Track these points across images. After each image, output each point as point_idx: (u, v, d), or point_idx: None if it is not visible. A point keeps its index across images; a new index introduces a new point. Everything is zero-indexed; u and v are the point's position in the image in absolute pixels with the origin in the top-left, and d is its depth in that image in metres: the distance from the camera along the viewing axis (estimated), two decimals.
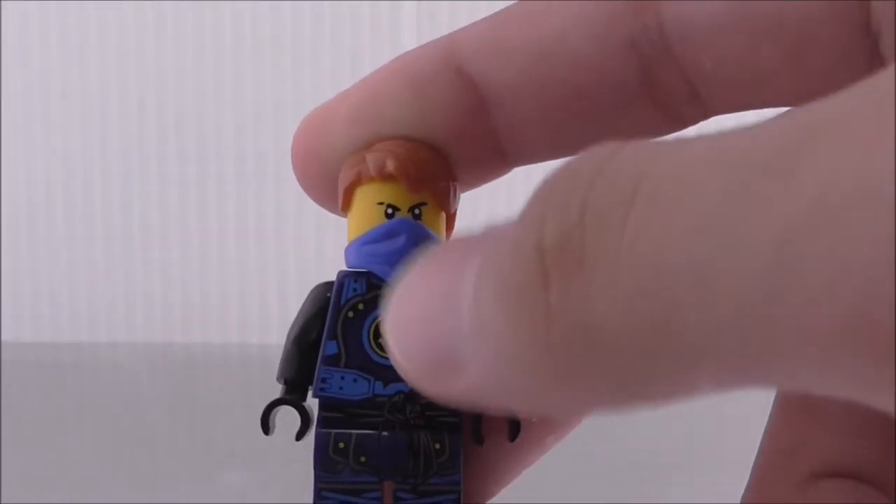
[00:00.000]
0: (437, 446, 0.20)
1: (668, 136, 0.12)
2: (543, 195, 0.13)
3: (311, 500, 0.20)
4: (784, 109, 0.12)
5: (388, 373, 0.19)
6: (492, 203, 0.69)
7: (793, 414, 0.19)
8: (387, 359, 0.20)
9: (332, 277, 0.21)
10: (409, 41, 0.74)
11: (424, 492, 0.20)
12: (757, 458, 0.19)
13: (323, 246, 0.74)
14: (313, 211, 0.75)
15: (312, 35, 0.74)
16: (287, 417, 0.21)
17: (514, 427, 0.20)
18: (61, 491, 0.45)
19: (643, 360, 0.11)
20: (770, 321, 0.10)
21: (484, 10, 0.20)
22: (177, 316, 0.75)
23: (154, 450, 0.52)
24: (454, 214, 0.21)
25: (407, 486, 0.20)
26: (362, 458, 0.20)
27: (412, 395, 0.19)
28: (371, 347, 0.20)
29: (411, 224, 0.19)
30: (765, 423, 0.19)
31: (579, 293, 0.12)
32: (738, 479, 0.20)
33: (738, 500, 0.19)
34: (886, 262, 0.09)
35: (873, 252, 0.10)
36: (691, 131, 0.15)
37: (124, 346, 0.74)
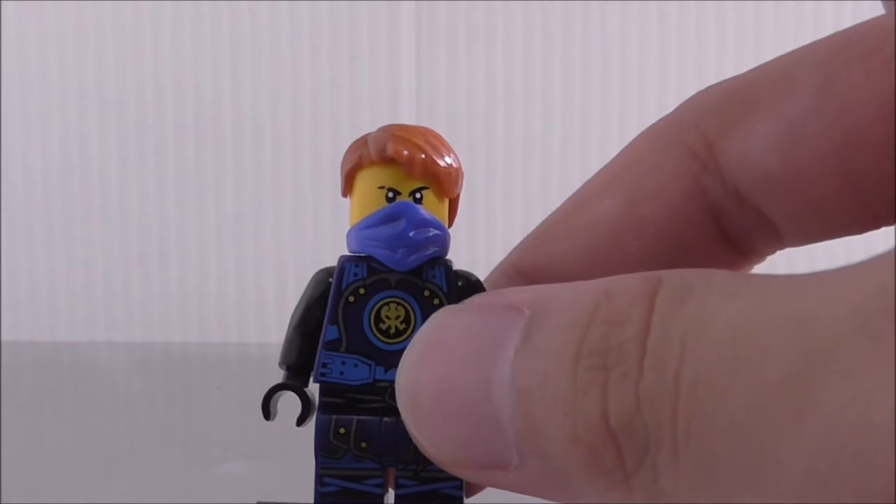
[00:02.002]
0: None
1: (694, 296, 0.14)
2: (596, 344, 0.14)
3: (306, 493, 0.20)
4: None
5: (389, 358, 0.20)
6: (489, 199, 0.69)
7: None
8: (388, 344, 0.20)
9: None
10: (409, 41, 0.74)
11: (426, 478, 0.20)
12: None
13: (322, 246, 0.74)
14: (312, 211, 0.75)
15: (311, 35, 0.74)
16: (286, 405, 0.21)
17: None
18: (61, 490, 0.45)
19: None
20: None
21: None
22: (176, 316, 0.75)
23: (153, 449, 0.52)
24: (457, 200, 0.21)
25: (409, 472, 0.20)
26: (363, 444, 0.20)
27: None
28: (372, 332, 0.20)
29: (411, 207, 0.20)
30: None
31: (650, 469, 0.14)
32: None
33: None
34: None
35: (882, 488, 0.11)
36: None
37: (123, 346, 0.74)
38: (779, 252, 0.21)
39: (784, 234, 0.21)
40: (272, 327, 0.75)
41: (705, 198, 0.20)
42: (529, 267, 0.21)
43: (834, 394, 0.11)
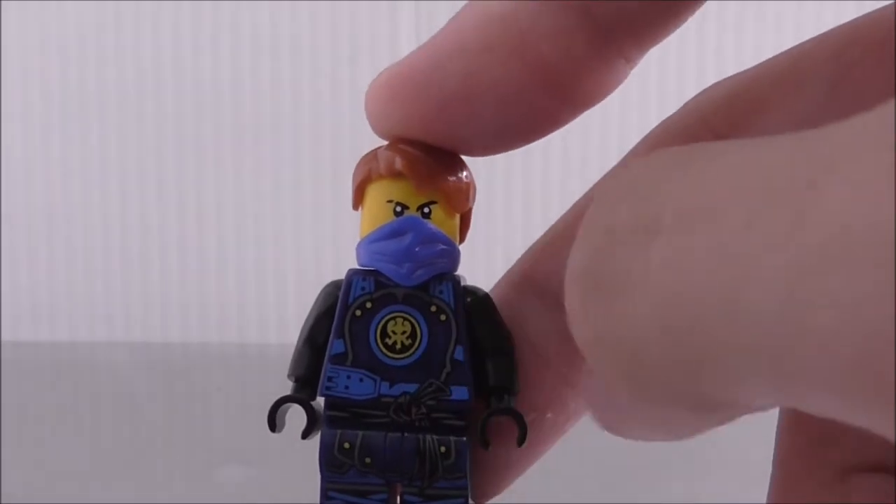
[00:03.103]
0: (443, 449, 0.19)
1: (683, 152, 0.13)
2: (582, 223, 0.14)
3: (310, 499, 0.20)
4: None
5: (394, 373, 0.19)
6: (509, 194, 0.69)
7: None
8: (393, 359, 0.20)
9: (331, 277, 0.21)
10: (408, 41, 0.74)
11: (431, 495, 0.20)
12: (777, 459, 0.19)
13: (322, 246, 0.74)
14: (312, 211, 0.75)
15: (311, 35, 0.74)
16: (291, 414, 0.20)
17: (521, 431, 0.19)
18: (61, 490, 0.45)
19: (690, 380, 0.12)
20: (789, 356, 0.11)
21: None
22: (176, 316, 0.75)
23: (153, 449, 0.52)
24: (469, 214, 0.21)
25: (414, 488, 0.20)
26: (367, 459, 0.20)
27: (418, 397, 0.19)
28: (378, 347, 0.20)
29: (418, 222, 0.19)
30: (764, 422, 0.19)
31: (619, 319, 0.13)
32: (738, 478, 0.19)
33: (738, 500, 0.19)
34: (887, 310, 0.10)
35: (875, 299, 0.10)
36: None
37: (124, 346, 0.74)
38: None
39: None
40: (272, 327, 0.75)
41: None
42: (541, 276, 0.21)
43: (839, 197, 0.10)
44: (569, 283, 0.13)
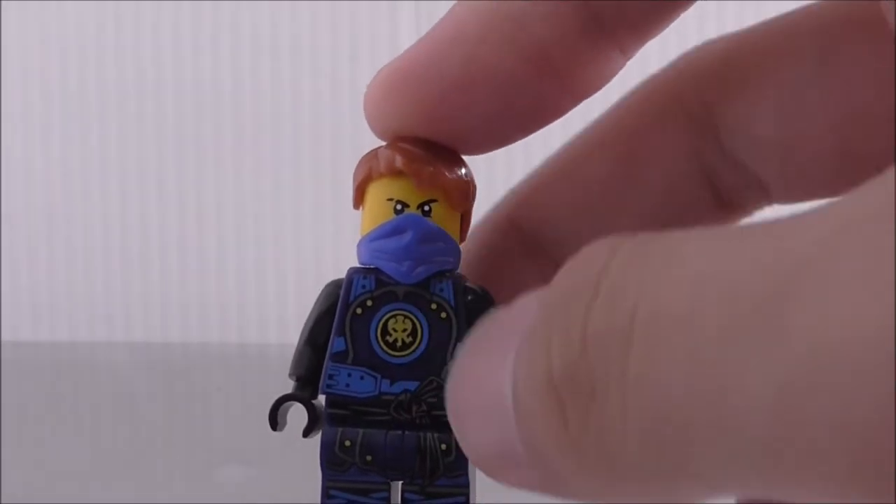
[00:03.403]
0: (444, 447, 0.19)
1: (657, 240, 0.13)
2: (548, 312, 0.13)
3: (309, 497, 0.20)
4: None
5: (395, 371, 0.19)
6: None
7: None
8: (394, 357, 0.20)
9: (331, 277, 0.21)
10: (408, 41, 0.73)
11: (432, 493, 0.20)
12: None
13: (322, 245, 0.74)
14: (313, 211, 0.75)
15: (311, 35, 0.74)
16: (292, 413, 0.20)
17: None
18: (61, 491, 0.45)
19: (664, 486, 0.12)
20: (779, 461, 0.11)
21: None
22: (176, 316, 0.75)
23: (153, 449, 0.52)
24: (469, 213, 0.21)
25: (415, 486, 0.20)
26: (368, 457, 0.20)
27: (418, 395, 0.19)
28: (379, 345, 0.20)
29: (418, 220, 0.19)
30: None
31: (596, 425, 0.12)
32: None
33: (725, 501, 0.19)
34: (882, 424, 0.10)
35: (868, 414, 0.10)
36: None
37: (124, 346, 0.74)
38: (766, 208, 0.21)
39: (774, 194, 0.21)
40: (272, 327, 0.75)
41: (701, 160, 0.20)
42: (525, 221, 0.21)
43: (815, 309, 0.10)
44: (540, 385, 0.13)
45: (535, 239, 0.21)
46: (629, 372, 0.12)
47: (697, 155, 0.20)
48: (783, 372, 0.10)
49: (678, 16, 0.19)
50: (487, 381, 0.14)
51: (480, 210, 0.21)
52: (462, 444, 0.15)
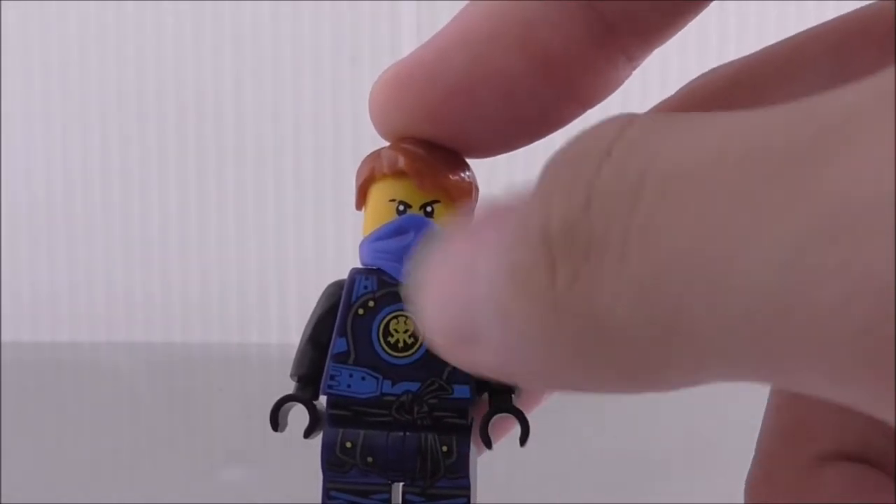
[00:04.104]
0: (445, 449, 0.19)
1: (678, 115, 0.12)
2: (552, 173, 0.13)
3: (310, 498, 0.20)
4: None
5: (396, 372, 0.19)
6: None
7: (796, 395, 0.19)
8: (396, 357, 0.20)
9: (333, 278, 0.21)
10: (409, 41, 0.74)
11: (433, 495, 0.20)
12: (760, 440, 0.19)
13: (323, 246, 0.74)
14: (313, 211, 0.75)
15: (312, 35, 0.74)
16: (293, 414, 0.20)
17: (524, 430, 0.19)
18: (61, 491, 0.45)
19: (650, 353, 0.11)
20: (780, 329, 0.10)
21: None
22: (177, 316, 0.75)
23: (153, 449, 0.52)
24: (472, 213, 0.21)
25: (416, 488, 0.20)
26: (369, 459, 0.20)
27: (420, 396, 0.19)
28: (380, 345, 0.20)
29: (420, 221, 0.19)
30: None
31: (586, 283, 0.12)
32: (739, 479, 0.20)
33: (738, 501, 0.19)
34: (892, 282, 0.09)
35: (884, 267, 0.10)
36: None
37: (124, 347, 0.74)
38: None
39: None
40: (274, 328, 0.75)
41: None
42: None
43: (838, 170, 0.10)
44: (532, 238, 0.12)
45: None
46: (632, 226, 0.11)
47: None
48: (799, 231, 0.10)
49: (686, 23, 0.19)
50: (457, 258, 0.14)
51: None
52: (422, 324, 0.14)
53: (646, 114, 0.13)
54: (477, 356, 0.14)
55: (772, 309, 0.10)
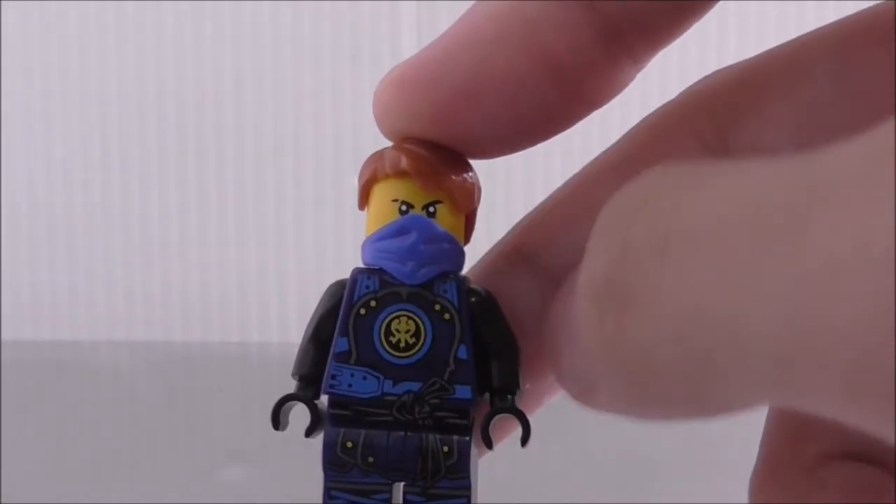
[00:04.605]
0: (446, 449, 0.19)
1: (699, 170, 0.14)
2: (596, 230, 0.14)
3: (310, 497, 0.20)
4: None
5: (398, 371, 0.19)
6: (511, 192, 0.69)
7: None
8: (397, 357, 0.20)
9: (333, 277, 0.21)
10: (409, 41, 0.74)
11: (434, 495, 0.20)
12: (763, 439, 0.19)
13: (323, 246, 0.74)
14: (313, 211, 0.75)
15: (312, 35, 0.74)
16: (294, 413, 0.20)
17: (525, 431, 0.19)
18: (61, 491, 0.45)
19: (696, 386, 0.13)
20: (790, 368, 0.12)
21: None
22: (177, 316, 0.75)
23: (154, 449, 0.52)
24: (474, 215, 0.21)
25: (416, 488, 0.20)
26: (370, 459, 0.20)
27: (421, 396, 0.19)
28: (382, 345, 0.20)
29: (422, 221, 0.19)
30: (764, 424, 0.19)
31: (631, 327, 0.13)
32: (739, 479, 0.20)
33: (738, 501, 0.19)
34: (881, 329, 0.10)
35: (868, 320, 0.11)
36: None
37: (124, 346, 0.74)
38: None
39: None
40: (274, 327, 0.75)
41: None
42: (531, 247, 0.21)
43: (831, 228, 0.11)
44: (585, 289, 0.14)
45: (540, 265, 0.21)
46: (664, 281, 0.13)
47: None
48: (797, 285, 0.11)
49: (692, 24, 0.19)
50: (567, 309, 0.16)
51: (482, 212, 0.21)
52: (554, 373, 0.17)
53: (675, 166, 0.14)
54: (592, 402, 0.16)
55: (780, 353, 0.12)
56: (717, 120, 0.20)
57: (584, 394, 0.16)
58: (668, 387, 0.13)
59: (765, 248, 0.12)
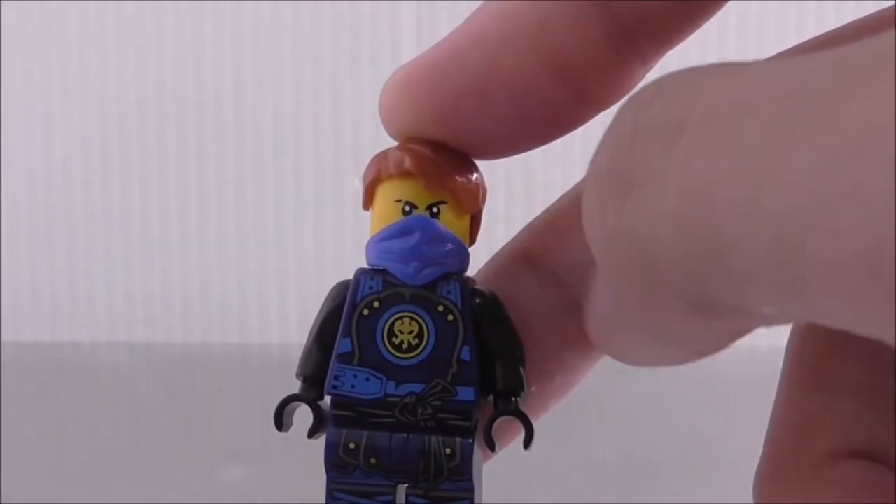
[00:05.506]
0: (448, 451, 0.19)
1: (726, 63, 0.13)
2: (615, 116, 0.13)
3: (311, 498, 0.20)
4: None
5: (400, 373, 0.19)
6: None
7: (804, 391, 0.19)
8: (400, 358, 0.19)
9: (333, 277, 0.21)
10: (410, 41, 0.74)
11: (436, 497, 0.20)
12: (768, 437, 0.19)
13: (323, 246, 0.74)
14: (313, 211, 0.75)
15: (312, 35, 0.74)
16: (298, 415, 0.20)
17: (528, 434, 0.19)
18: (61, 491, 0.45)
19: (698, 279, 0.12)
20: (804, 254, 0.11)
21: None
22: (177, 316, 0.75)
23: (154, 449, 0.52)
24: (479, 216, 0.21)
25: (419, 490, 0.20)
26: (373, 460, 0.19)
27: (424, 397, 0.19)
28: (385, 346, 0.19)
29: (425, 221, 0.19)
30: (764, 424, 0.19)
31: (631, 217, 0.12)
32: (739, 479, 0.20)
33: (738, 501, 0.19)
34: None
35: (888, 189, 0.10)
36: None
37: (124, 346, 0.74)
38: None
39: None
40: (274, 328, 0.75)
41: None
42: (539, 252, 0.21)
43: (856, 103, 0.10)
44: (588, 179, 0.13)
45: (548, 268, 0.21)
46: (674, 158, 0.12)
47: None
48: (821, 156, 0.10)
49: (701, 25, 0.19)
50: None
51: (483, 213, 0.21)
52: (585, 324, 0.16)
53: (697, 67, 0.13)
54: (609, 337, 0.15)
55: (794, 235, 0.11)
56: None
57: (602, 332, 0.15)
58: (672, 282, 0.12)
59: (794, 121, 0.11)
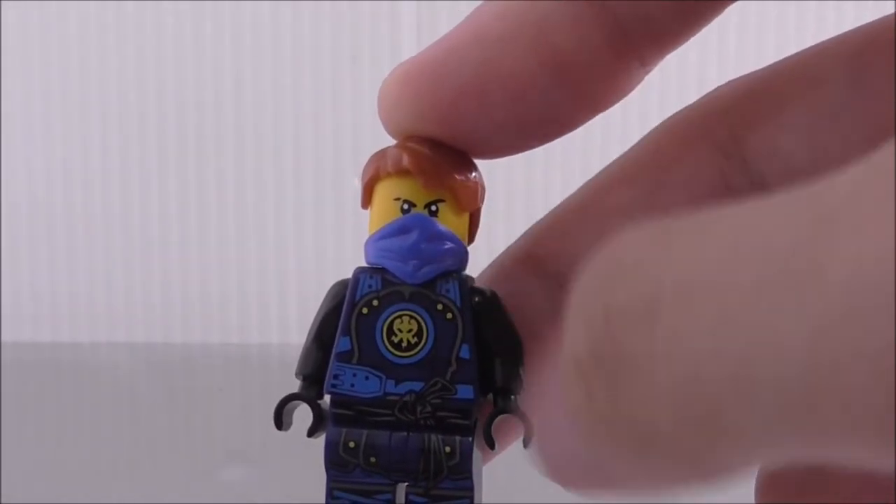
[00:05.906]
0: (448, 449, 0.19)
1: (679, 222, 0.12)
2: (574, 303, 0.13)
3: (312, 497, 0.20)
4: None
5: (400, 371, 0.19)
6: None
7: None
8: (399, 357, 0.19)
9: (333, 277, 0.21)
10: (409, 41, 0.74)
11: (436, 496, 0.20)
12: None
13: (323, 246, 0.74)
14: (313, 211, 0.75)
15: (312, 35, 0.74)
16: (297, 414, 0.20)
17: (528, 432, 0.19)
18: (61, 491, 0.45)
19: (700, 452, 0.12)
20: (814, 414, 0.11)
21: None
22: (177, 316, 0.75)
23: (154, 450, 0.52)
24: (478, 213, 0.21)
25: (419, 488, 0.20)
26: (372, 459, 0.19)
27: (423, 396, 0.19)
28: (384, 345, 0.20)
29: (424, 220, 0.19)
30: None
31: (624, 400, 0.12)
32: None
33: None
34: None
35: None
36: None
37: (124, 346, 0.74)
38: None
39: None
40: (274, 328, 0.75)
41: (729, 190, 0.20)
42: (542, 255, 0.21)
43: (848, 250, 0.10)
44: (566, 362, 0.13)
45: (552, 271, 0.21)
46: (656, 344, 0.12)
47: (726, 185, 0.20)
48: (818, 313, 0.10)
49: (701, 27, 0.19)
50: (542, 404, 0.15)
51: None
52: (541, 463, 0.15)
53: (650, 224, 0.13)
54: (582, 483, 0.15)
55: (802, 398, 0.10)
56: (734, 126, 0.20)
57: (571, 479, 0.15)
58: (678, 461, 0.12)
59: (775, 284, 0.11)
